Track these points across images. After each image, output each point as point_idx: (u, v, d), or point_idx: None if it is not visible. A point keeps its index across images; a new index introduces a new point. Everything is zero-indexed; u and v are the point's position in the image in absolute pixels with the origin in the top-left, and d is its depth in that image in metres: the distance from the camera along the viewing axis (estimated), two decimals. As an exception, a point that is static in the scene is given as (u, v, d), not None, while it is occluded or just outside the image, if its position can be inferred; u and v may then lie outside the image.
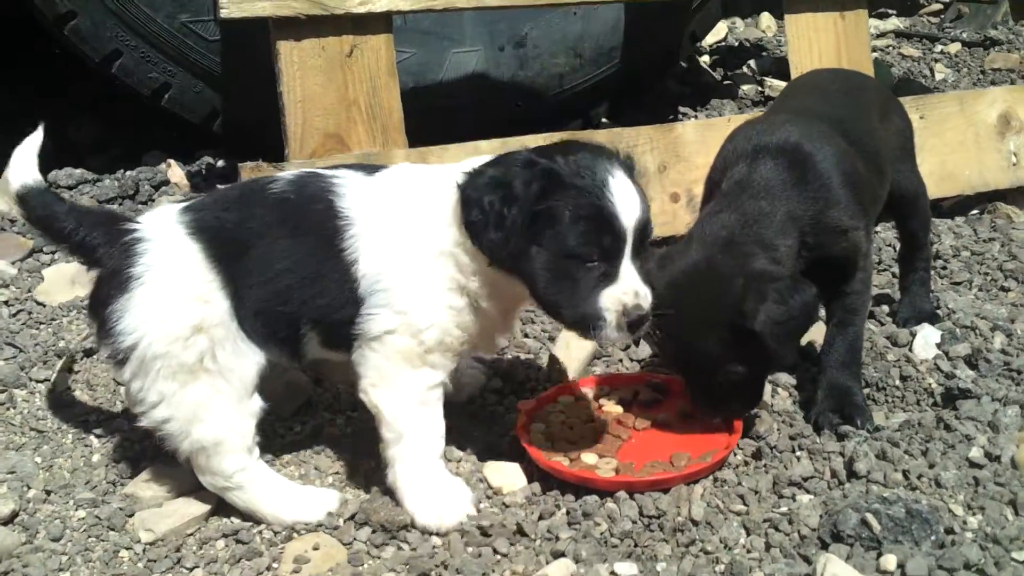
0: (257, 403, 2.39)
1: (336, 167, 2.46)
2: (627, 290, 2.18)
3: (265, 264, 2.32)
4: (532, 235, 2.17)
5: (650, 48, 4.66)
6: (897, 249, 3.23)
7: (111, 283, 2.32)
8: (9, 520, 2.40)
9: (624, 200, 2.17)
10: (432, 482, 2.35)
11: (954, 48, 6.34)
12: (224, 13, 3.07)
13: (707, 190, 2.73)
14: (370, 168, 2.47)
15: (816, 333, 2.81)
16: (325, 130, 3.16)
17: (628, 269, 2.20)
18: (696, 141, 3.39)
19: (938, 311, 3.08)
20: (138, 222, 2.39)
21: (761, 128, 2.65)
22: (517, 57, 4.42)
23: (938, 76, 5.89)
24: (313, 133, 3.14)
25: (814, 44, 3.70)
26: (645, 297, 2.20)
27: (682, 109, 5.12)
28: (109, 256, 2.34)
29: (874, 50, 6.45)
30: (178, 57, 4.05)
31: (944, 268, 3.42)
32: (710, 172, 2.72)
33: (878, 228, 3.67)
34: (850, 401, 2.57)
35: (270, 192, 2.40)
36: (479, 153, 3.20)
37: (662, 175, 3.40)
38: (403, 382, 2.34)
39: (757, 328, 2.34)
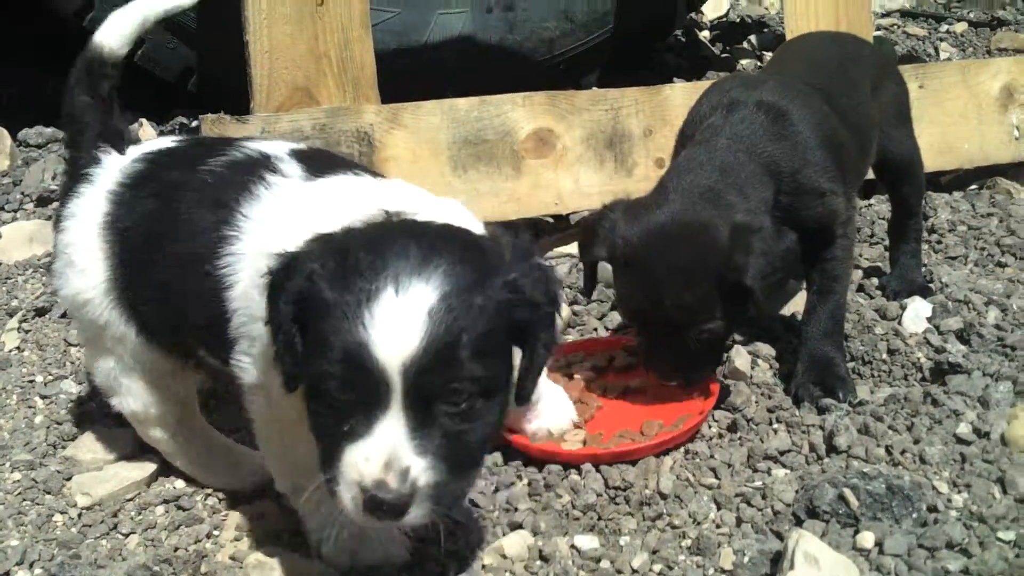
0: (184, 387, 2.20)
1: (329, 161, 2.05)
2: (370, 455, 1.56)
3: (148, 248, 2.00)
4: (305, 357, 1.65)
5: (644, 15, 4.54)
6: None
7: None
8: (-59, 481, 2.29)
9: (392, 326, 1.54)
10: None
11: (960, 28, 6.20)
12: (189, -42, 2.92)
13: (678, 143, 2.60)
14: (359, 170, 2.01)
15: (798, 304, 2.68)
16: (293, 83, 3.02)
17: (387, 427, 1.56)
18: (684, 104, 3.23)
19: (931, 284, 2.94)
20: (107, 156, 2.15)
21: (738, 83, 2.53)
22: (506, 20, 4.29)
23: (942, 55, 5.76)
24: (280, 85, 3.00)
25: (811, 9, 3.55)
26: (398, 472, 1.55)
27: (676, 81, 4.97)
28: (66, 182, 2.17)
29: (878, 28, 6.32)
30: (152, 12, 3.92)
31: (939, 243, 3.28)
32: (682, 126, 2.60)
33: (871, 201, 3.53)
34: (832, 373, 2.44)
35: (206, 161, 2.02)
36: (455, 111, 3.09)
37: (647, 139, 3.26)
38: (278, 451, 1.97)
39: (748, 282, 2.20)
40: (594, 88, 3.40)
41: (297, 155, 2.03)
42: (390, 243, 1.63)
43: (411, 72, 4.15)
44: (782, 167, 2.40)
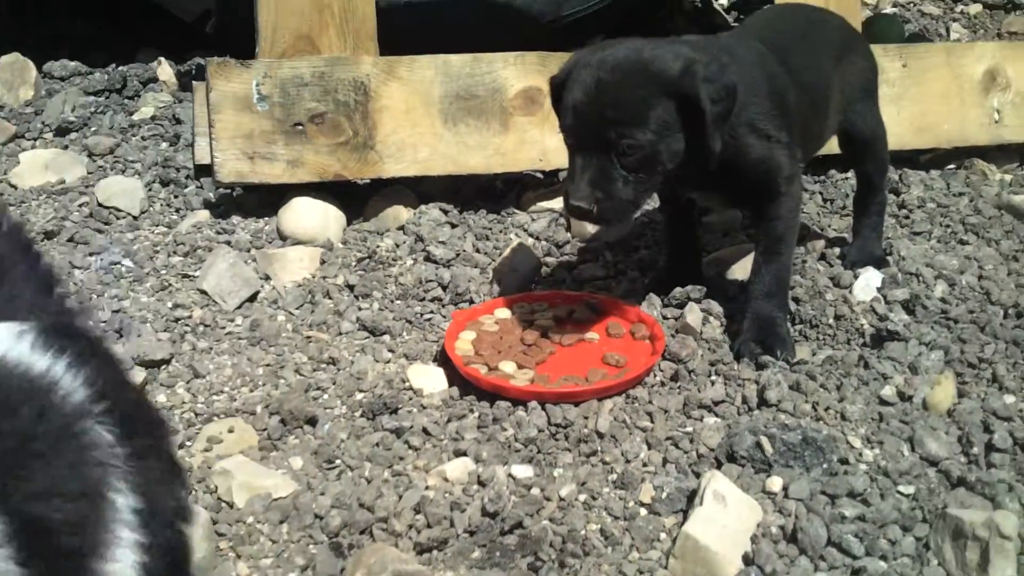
0: None
1: None
2: None
3: None
4: None
5: (652, -21, 4.64)
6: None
7: None
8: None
9: None
10: None
11: (975, 9, 6.25)
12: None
13: None
14: None
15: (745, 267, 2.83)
16: (297, 31, 3.18)
17: None
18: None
19: (888, 256, 3.08)
20: None
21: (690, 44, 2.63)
22: (515, -21, 4.41)
23: (953, 36, 5.82)
24: (284, 33, 3.17)
25: (802, -15, 3.66)
26: None
27: (683, 47, 5.08)
28: None
29: (895, 5, 6.38)
30: (173, -46, 4.10)
31: (907, 218, 3.42)
32: None
33: (848, 174, 3.65)
34: (773, 332, 2.59)
35: None
36: (449, 66, 3.25)
37: (632, 103, 3.40)
38: None
39: (705, 107, 2.28)
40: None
41: None
42: None
43: (419, 27, 4.29)
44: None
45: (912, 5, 6.41)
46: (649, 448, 2.28)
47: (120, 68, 4.27)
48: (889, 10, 6.24)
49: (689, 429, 2.33)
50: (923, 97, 3.71)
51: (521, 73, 3.31)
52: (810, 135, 2.79)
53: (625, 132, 2.32)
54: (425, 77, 3.23)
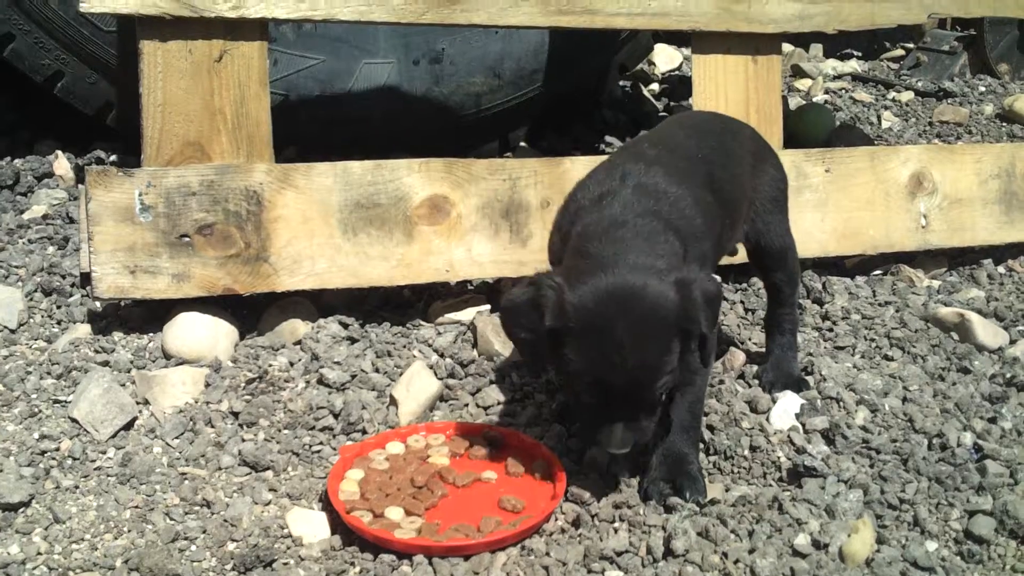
0: None
1: None
2: None
3: None
4: None
5: (574, 75, 4.53)
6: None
7: None
8: None
9: None
10: None
11: (906, 97, 6.22)
12: (84, 7, 2.91)
13: (559, 220, 2.56)
14: None
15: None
16: (185, 137, 3.00)
17: None
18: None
19: (809, 375, 2.94)
20: None
21: (625, 164, 2.50)
22: (432, 73, 4.28)
23: (884, 124, 5.77)
24: (172, 139, 2.99)
25: (721, 88, 3.55)
26: None
27: (608, 138, 4.98)
28: None
29: (827, 92, 6.34)
30: (72, 46, 3.92)
31: (831, 331, 3.29)
32: (558, 221, 2.57)
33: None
34: (683, 470, 2.43)
35: None
36: (349, 174, 3.09)
37: (545, 211, 3.25)
38: None
39: (704, 331, 2.24)
40: (496, 159, 3.37)
41: None
42: None
43: (334, 120, 4.15)
44: (684, 232, 2.38)
45: (844, 92, 6.38)
46: (544, 610, 2.09)
47: (15, 162, 4.07)
48: (820, 98, 6.20)
49: (587, 587, 2.15)
50: (848, 202, 3.60)
51: (426, 180, 3.15)
52: (722, 248, 2.69)
53: (657, 382, 2.24)
54: (323, 185, 3.06)
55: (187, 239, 2.96)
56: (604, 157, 3.10)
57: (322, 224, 3.07)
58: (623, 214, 2.36)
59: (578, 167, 3.31)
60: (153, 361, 2.95)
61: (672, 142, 2.72)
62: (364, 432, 2.69)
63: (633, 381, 2.22)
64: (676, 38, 6.76)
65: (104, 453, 2.60)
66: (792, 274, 2.93)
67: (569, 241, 2.42)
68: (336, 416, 2.73)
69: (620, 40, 4.62)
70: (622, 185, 2.42)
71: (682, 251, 2.36)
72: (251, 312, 3.18)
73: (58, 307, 3.23)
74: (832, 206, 3.59)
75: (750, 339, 3.21)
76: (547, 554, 2.24)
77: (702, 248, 2.44)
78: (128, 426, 2.69)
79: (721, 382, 2.90)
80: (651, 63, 6.62)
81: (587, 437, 2.37)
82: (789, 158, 3.55)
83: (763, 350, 3.09)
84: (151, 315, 3.09)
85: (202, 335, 2.96)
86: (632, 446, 2.29)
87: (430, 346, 3.09)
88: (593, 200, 2.44)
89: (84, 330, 3.06)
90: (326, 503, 2.40)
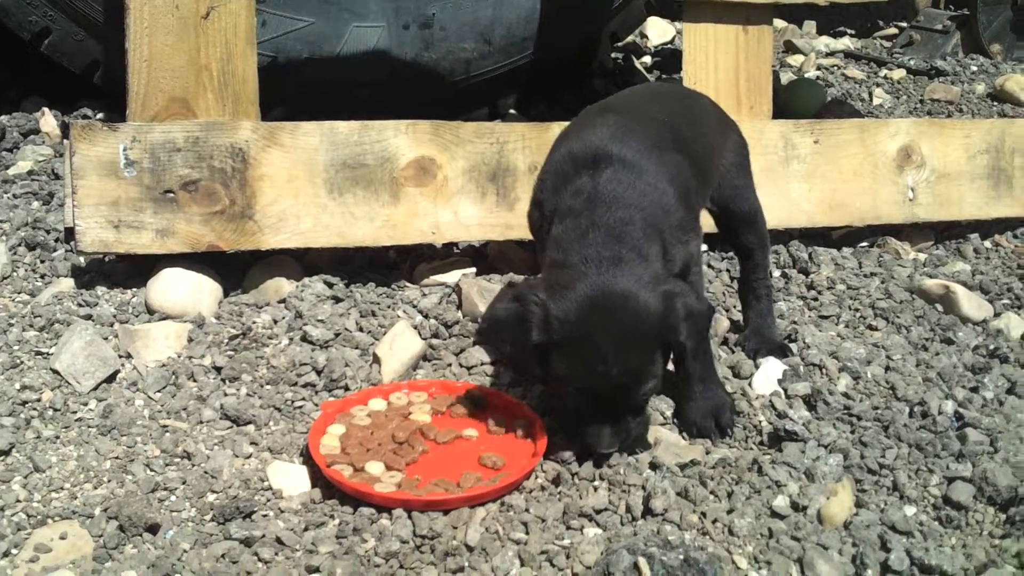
0: None
1: None
2: None
3: None
4: None
5: (565, 43, 4.52)
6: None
7: None
8: None
9: None
10: None
11: (898, 74, 6.21)
12: (69, -39, 2.89)
13: (536, 195, 2.59)
14: None
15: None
16: (171, 93, 2.98)
17: None
18: (572, 143, 3.23)
19: (792, 343, 2.94)
20: None
21: (595, 135, 2.50)
22: (422, 38, 4.26)
23: (875, 101, 5.76)
24: (157, 95, 2.97)
25: (711, 57, 3.54)
26: None
27: (599, 108, 4.95)
28: None
29: (820, 68, 6.33)
30: (60, 2, 3.89)
31: (815, 300, 3.29)
32: (537, 177, 2.59)
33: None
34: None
35: None
36: (335, 133, 3.07)
37: (532, 175, 3.23)
38: None
39: (683, 340, 2.33)
40: (485, 122, 3.36)
41: None
42: None
43: (322, 83, 4.13)
44: (660, 222, 2.41)
45: (836, 68, 6.36)
46: (522, 564, 2.09)
47: (1, 117, 4.04)
48: (812, 73, 6.19)
49: (567, 542, 2.15)
50: (835, 174, 3.60)
51: (413, 142, 3.13)
52: (701, 201, 2.74)
53: (641, 388, 2.33)
54: (309, 144, 3.04)
55: (171, 195, 2.95)
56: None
57: (307, 183, 3.06)
58: (598, 215, 2.37)
59: (566, 131, 3.30)
60: (136, 316, 2.94)
61: (636, 109, 2.72)
62: (346, 389, 2.68)
63: (618, 388, 2.29)
64: (669, 11, 6.74)
65: (85, 405, 2.60)
66: (763, 237, 2.93)
67: (547, 233, 2.48)
68: (319, 373, 2.72)
69: (612, 8, 4.60)
70: (596, 174, 2.43)
71: (660, 240, 2.40)
72: (235, 270, 3.17)
73: (41, 261, 3.21)
74: (820, 177, 3.58)
75: (735, 307, 3.21)
76: (526, 510, 2.24)
77: (678, 219, 2.47)
78: (110, 379, 2.68)
79: (704, 348, 2.90)
80: (643, 36, 6.60)
81: (574, 437, 2.42)
82: (778, 128, 3.56)
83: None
84: (134, 270, 3.08)
85: (186, 291, 2.95)
86: (619, 445, 2.37)
87: (415, 307, 3.08)
88: (571, 193, 2.45)
89: (67, 284, 3.05)
90: (307, 457, 2.40)
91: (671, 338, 2.31)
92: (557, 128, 3.27)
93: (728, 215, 2.87)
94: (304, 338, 2.85)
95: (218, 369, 2.73)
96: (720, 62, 3.56)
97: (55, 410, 2.56)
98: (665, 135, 2.57)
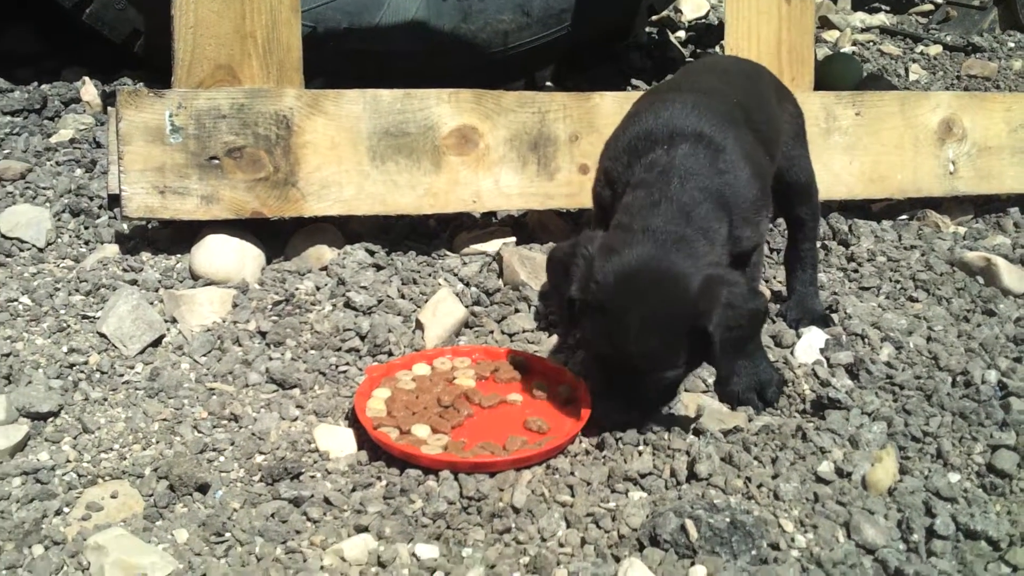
0: None
1: None
2: None
3: None
4: None
5: (602, 16, 4.50)
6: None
7: None
8: None
9: None
10: None
11: (934, 50, 6.16)
12: (117, -74, 2.90)
13: (609, 173, 2.56)
14: None
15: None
16: (216, 60, 3.00)
17: None
18: (613, 113, 3.22)
19: (834, 313, 2.94)
20: None
21: (671, 111, 2.49)
22: (461, 9, 4.26)
23: (912, 76, 5.73)
24: (203, 62, 2.99)
25: (754, 29, 3.52)
26: None
27: (635, 82, 4.95)
28: None
29: (855, 44, 6.29)
30: (100, -30, 3.91)
31: (856, 272, 3.28)
32: (608, 155, 2.58)
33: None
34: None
35: None
36: (378, 101, 3.08)
37: (573, 144, 3.25)
38: None
39: (711, 328, 2.20)
40: (526, 91, 3.35)
41: None
42: None
43: (361, 54, 4.14)
44: (730, 200, 2.40)
45: (872, 44, 6.32)
46: (568, 526, 2.11)
47: (42, 87, 4.07)
48: (848, 49, 6.15)
49: (612, 505, 2.16)
50: (876, 147, 3.58)
51: (455, 111, 3.14)
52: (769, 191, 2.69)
53: (657, 373, 2.31)
54: (352, 112, 3.05)
55: (216, 161, 2.97)
56: (634, 93, 3.10)
57: (351, 151, 3.07)
58: (672, 189, 2.35)
59: (607, 102, 3.30)
60: (180, 281, 2.96)
61: (707, 87, 2.70)
62: (390, 354, 2.70)
63: (633, 367, 2.28)
64: (705, -15, 6.70)
65: (132, 368, 2.62)
66: (815, 208, 2.93)
67: (617, 203, 2.45)
68: (362, 338, 2.74)
69: (650, -19, 4.59)
70: (671, 148, 2.42)
71: (728, 220, 2.38)
72: (278, 237, 3.19)
73: (86, 228, 3.23)
74: (861, 150, 3.57)
75: (775, 277, 3.21)
76: (572, 473, 2.25)
77: (752, 197, 2.44)
78: (156, 343, 2.71)
79: (745, 317, 2.90)
80: (678, 10, 6.56)
81: (593, 400, 2.43)
82: (820, 100, 3.54)
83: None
84: (179, 236, 3.10)
85: (230, 257, 2.97)
86: (626, 426, 2.38)
87: (455, 275, 3.10)
88: (645, 166, 2.43)
89: (112, 250, 3.08)
90: (353, 420, 2.42)
91: (700, 325, 2.22)
92: (598, 98, 3.29)
93: (784, 186, 2.85)
94: (347, 304, 2.87)
95: (263, 334, 2.75)
96: (762, 33, 3.54)
97: (102, 373, 2.59)
98: (737, 114, 2.56)
